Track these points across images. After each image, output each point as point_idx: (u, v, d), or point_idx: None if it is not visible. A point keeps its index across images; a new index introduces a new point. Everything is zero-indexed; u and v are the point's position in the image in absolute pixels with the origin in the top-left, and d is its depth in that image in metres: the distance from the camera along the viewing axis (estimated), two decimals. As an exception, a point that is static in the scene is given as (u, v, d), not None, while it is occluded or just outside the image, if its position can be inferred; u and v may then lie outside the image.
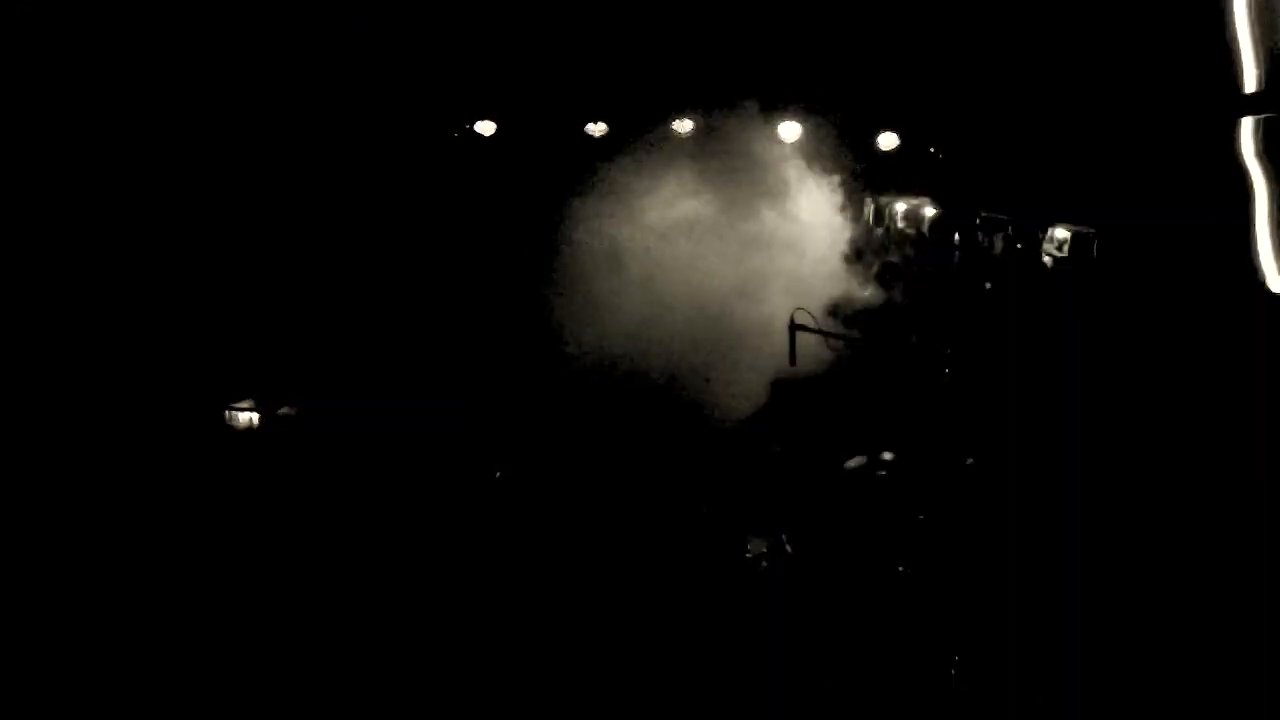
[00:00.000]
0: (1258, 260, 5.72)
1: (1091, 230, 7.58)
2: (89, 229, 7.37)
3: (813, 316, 7.31)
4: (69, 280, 7.30)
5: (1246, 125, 5.29)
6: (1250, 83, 5.10)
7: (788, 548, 7.16)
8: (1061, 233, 7.67)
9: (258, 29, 7.65)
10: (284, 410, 7.83)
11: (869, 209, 8.59)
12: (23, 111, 7.11)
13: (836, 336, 7.36)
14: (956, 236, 7.97)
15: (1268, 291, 5.86)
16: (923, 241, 8.31)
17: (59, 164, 7.21)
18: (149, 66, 7.37)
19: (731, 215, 9.28)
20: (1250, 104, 5.21)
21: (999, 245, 8.46)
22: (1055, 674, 6.34)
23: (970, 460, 7.39)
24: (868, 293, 9.30)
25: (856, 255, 9.08)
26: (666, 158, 9.50)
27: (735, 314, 8.93)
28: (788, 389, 8.32)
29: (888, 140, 9.16)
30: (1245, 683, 5.99)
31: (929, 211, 8.36)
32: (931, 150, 8.83)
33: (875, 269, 9.20)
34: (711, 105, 9.11)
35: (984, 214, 8.05)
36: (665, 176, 9.36)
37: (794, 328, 7.27)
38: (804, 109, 9.14)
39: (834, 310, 8.74)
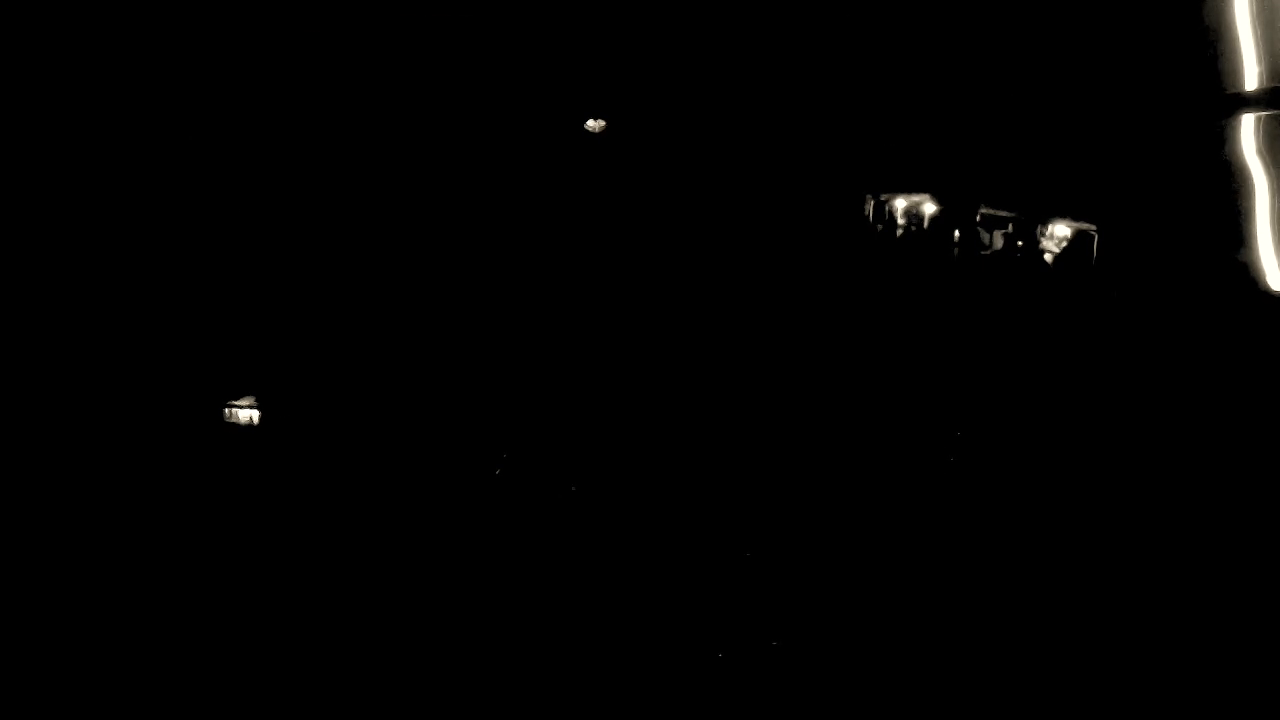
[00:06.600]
0: (1258, 259, 5.71)
1: (1094, 227, 7.55)
2: (87, 226, 7.40)
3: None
4: (67, 277, 7.33)
5: (1247, 123, 5.28)
6: (1250, 81, 5.08)
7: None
8: (1063, 229, 7.65)
9: (257, 28, 7.66)
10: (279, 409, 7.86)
11: (868, 206, 8.57)
12: (21, 107, 7.14)
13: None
14: (956, 234, 7.97)
15: (1268, 291, 5.83)
16: (922, 238, 8.30)
17: (56, 159, 7.25)
18: (148, 62, 7.40)
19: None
20: (1250, 102, 5.19)
21: (999, 242, 8.45)
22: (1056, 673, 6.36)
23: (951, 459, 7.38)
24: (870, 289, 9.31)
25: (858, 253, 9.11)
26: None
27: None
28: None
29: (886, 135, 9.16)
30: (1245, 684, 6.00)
31: (929, 209, 8.34)
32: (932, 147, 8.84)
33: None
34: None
35: (984, 210, 8.04)
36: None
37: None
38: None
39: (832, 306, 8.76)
